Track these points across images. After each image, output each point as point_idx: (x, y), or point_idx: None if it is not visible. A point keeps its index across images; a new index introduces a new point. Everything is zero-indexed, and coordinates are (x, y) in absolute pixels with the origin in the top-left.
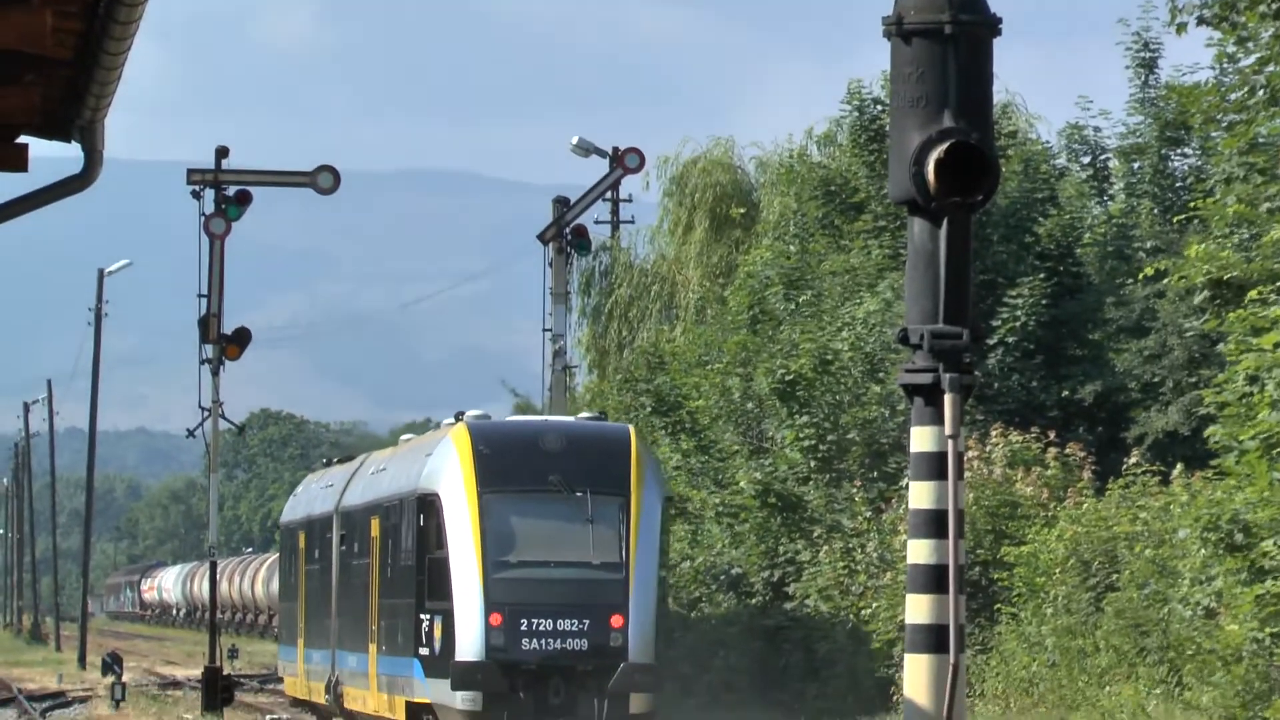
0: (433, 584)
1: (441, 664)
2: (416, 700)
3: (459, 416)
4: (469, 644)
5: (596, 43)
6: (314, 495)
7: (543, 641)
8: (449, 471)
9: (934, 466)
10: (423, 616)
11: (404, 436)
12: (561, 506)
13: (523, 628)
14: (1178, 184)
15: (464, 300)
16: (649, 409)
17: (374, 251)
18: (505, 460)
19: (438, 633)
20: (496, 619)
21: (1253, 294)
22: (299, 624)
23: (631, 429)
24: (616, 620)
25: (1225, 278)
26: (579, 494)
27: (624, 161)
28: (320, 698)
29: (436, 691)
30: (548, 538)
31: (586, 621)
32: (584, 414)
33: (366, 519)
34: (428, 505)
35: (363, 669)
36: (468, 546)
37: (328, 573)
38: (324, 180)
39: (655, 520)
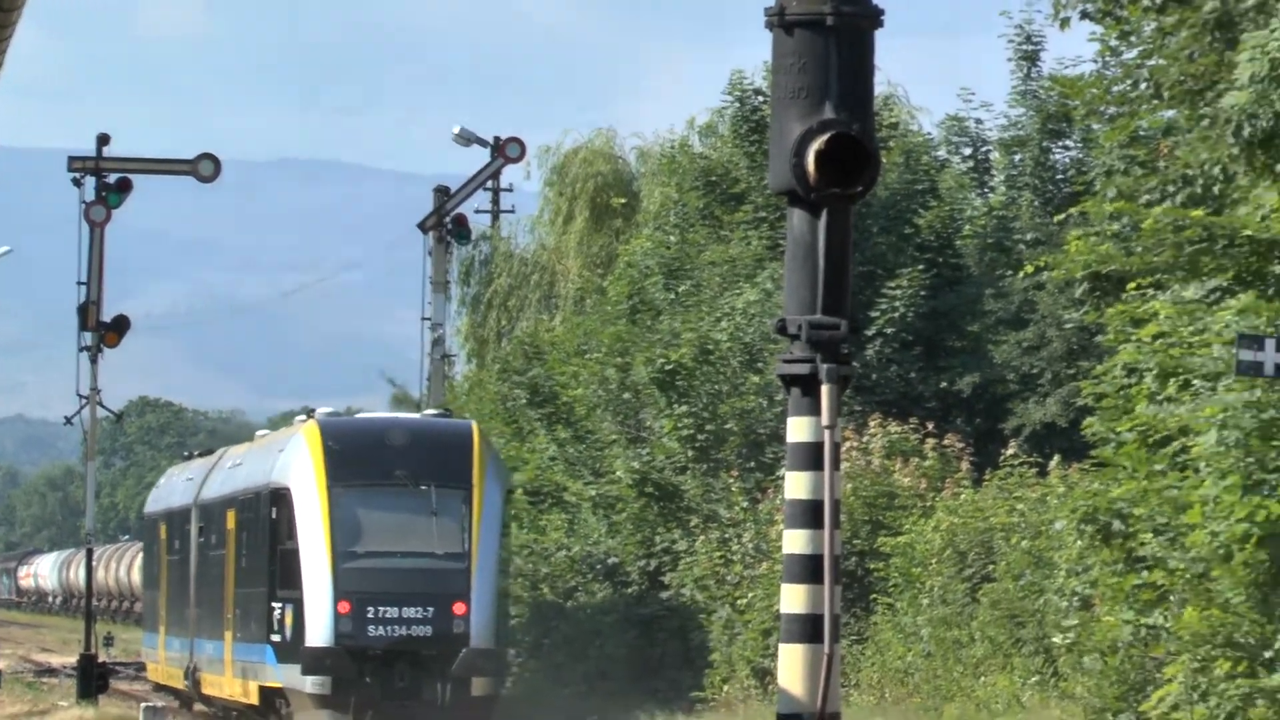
0: (284, 574)
1: (293, 650)
2: (269, 685)
3: (310, 413)
4: (318, 631)
5: (481, 33)
6: (175, 488)
7: (389, 628)
8: (299, 466)
9: (811, 457)
10: (275, 605)
11: (260, 432)
12: (407, 499)
13: (370, 615)
14: (1059, 176)
15: (344, 289)
16: (525, 400)
17: (255, 240)
18: (353, 455)
19: (289, 620)
20: (345, 607)
21: (1131, 286)
22: (160, 612)
23: (474, 425)
24: (459, 608)
25: (1104, 270)
26: (423, 487)
27: (505, 151)
28: (180, 683)
29: (288, 676)
30: (394, 529)
31: (431, 609)
32: (429, 410)
33: (223, 511)
34: (280, 498)
35: (219, 655)
36: (317, 538)
37: (187, 563)
38: (205, 168)
39: (497, 512)
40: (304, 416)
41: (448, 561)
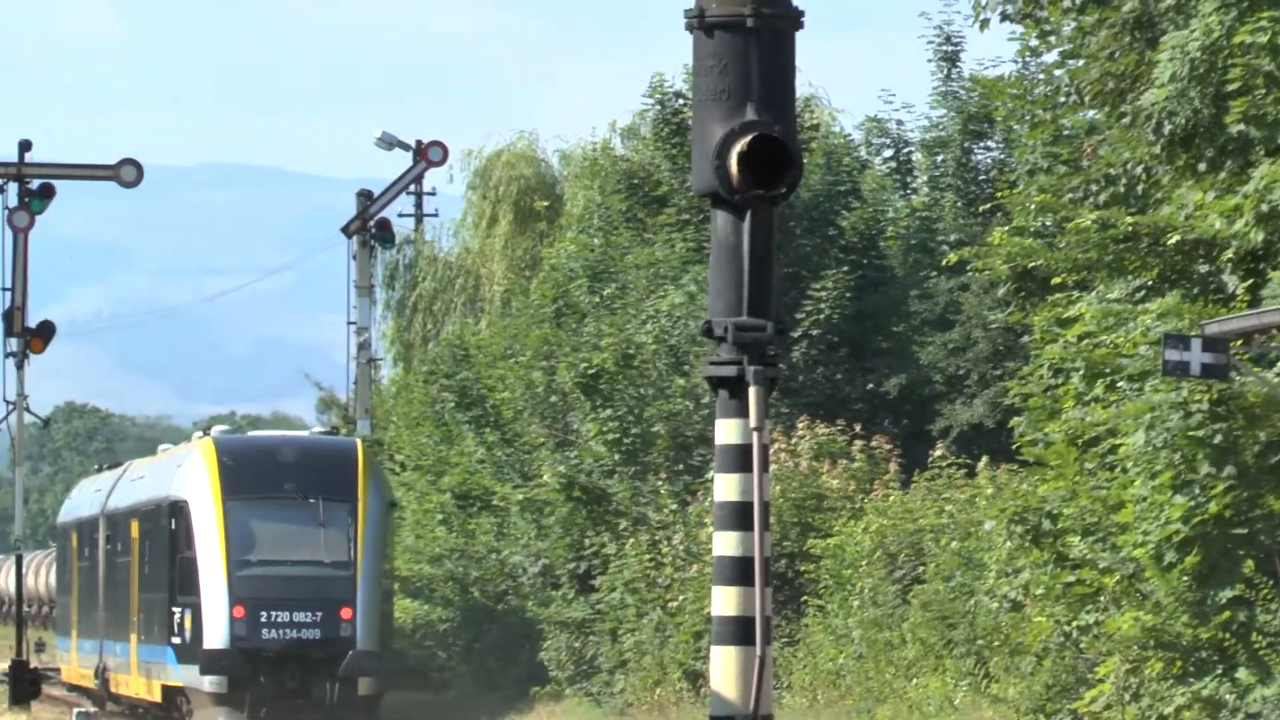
0: (183, 580)
1: (192, 651)
2: (171, 684)
3: (206, 430)
4: (215, 633)
5: (402, 37)
6: (85, 498)
7: (280, 631)
8: (196, 480)
9: (739, 459)
10: (175, 609)
11: (162, 447)
12: (296, 511)
13: (262, 619)
14: (981, 177)
15: (269, 294)
16: (453, 403)
17: (177, 245)
18: (246, 470)
19: (188, 624)
20: (239, 611)
21: (1056, 281)
22: (72, 616)
23: (359, 442)
24: (346, 612)
25: (1029, 266)
26: (311, 500)
27: (427, 155)
28: (91, 683)
29: (188, 675)
30: (284, 539)
31: (319, 614)
32: (317, 429)
33: (128, 521)
34: (178, 510)
35: (125, 656)
36: (213, 547)
37: (95, 570)
38: (127, 173)
39: (380, 523)
40: (201, 433)
41: (334, 569)
